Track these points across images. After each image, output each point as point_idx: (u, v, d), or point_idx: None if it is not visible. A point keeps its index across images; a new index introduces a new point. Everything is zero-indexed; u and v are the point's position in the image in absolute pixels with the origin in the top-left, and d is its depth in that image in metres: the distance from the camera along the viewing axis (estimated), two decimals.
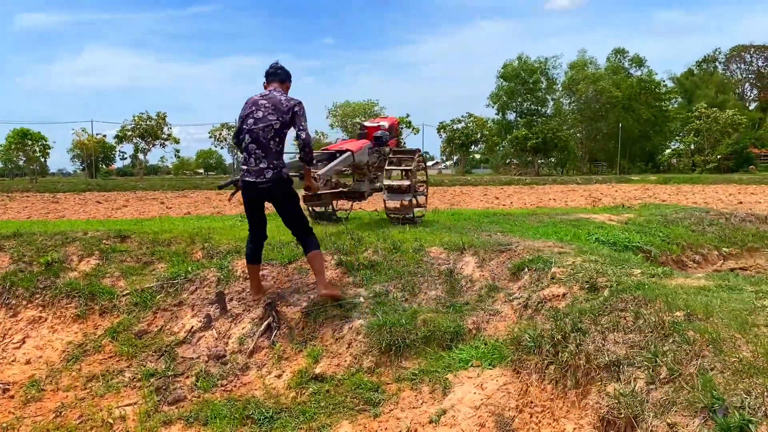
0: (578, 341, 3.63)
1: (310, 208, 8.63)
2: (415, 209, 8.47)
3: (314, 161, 5.60)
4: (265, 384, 5.12)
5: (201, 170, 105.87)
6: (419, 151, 8.36)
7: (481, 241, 6.44)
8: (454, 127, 63.76)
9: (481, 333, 5.14)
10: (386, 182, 7.80)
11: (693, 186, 39.92)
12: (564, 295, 4.88)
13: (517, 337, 4.22)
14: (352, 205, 9.41)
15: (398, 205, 7.86)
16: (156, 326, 6.13)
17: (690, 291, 3.89)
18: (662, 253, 8.60)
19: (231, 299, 6.19)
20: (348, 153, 7.47)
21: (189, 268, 6.71)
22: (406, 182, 7.72)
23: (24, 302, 6.47)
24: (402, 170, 7.94)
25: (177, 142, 56.15)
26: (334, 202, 8.87)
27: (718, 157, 56.67)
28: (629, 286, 4.16)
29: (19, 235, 7.56)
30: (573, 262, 5.36)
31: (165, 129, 54.77)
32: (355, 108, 69.84)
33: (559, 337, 3.77)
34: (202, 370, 5.41)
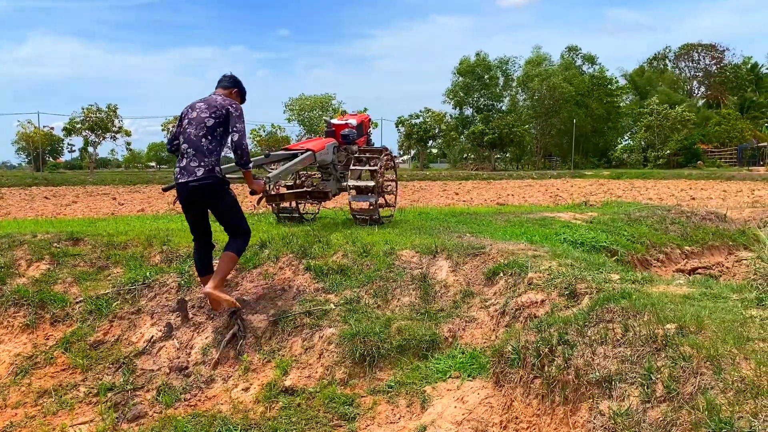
0: (566, 355, 3.50)
1: (274, 209, 8.38)
2: (384, 209, 8.26)
3: (250, 164, 5.29)
4: (232, 398, 4.86)
5: (153, 164, 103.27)
6: (387, 149, 8.13)
7: (453, 243, 6.28)
8: (413, 122, 63.83)
9: (457, 341, 4.98)
10: (352, 182, 7.55)
11: (645, 181, 40.82)
12: (542, 302, 4.76)
13: (499, 349, 4.07)
14: (320, 206, 9.13)
15: (365, 206, 7.64)
16: (113, 336, 5.79)
17: (676, 300, 3.80)
18: (628, 252, 8.62)
19: (193, 306, 5.89)
20: (308, 153, 7.21)
21: (147, 273, 6.37)
22: (372, 183, 7.48)
23: None
24: (368, 170, 7.71)
25: (128, 134, 54.65)
26: (303, 203, 8.60)
27: (668, 152, 58.19)
28: (613, 295, 4.05)
29: None
30: (549, 266, 5.24)
31: (116, 121, 53.21)
32: (313, 102, 69.16)
33: (546, 350, 3.62)
34: (163, 383, 5.11)
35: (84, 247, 7.10)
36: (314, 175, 8.46)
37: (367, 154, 7.79)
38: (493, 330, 4.95)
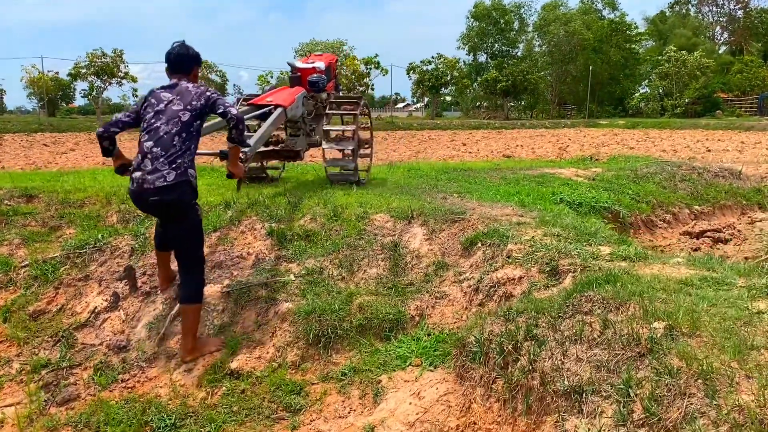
0: (533, 354, 2.93)
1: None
2: (361, 170, 7.58)
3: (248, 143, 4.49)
4: (173, 380, 4.37)
5: None
6: (363, 98, 7.34)
7: (432, 207, 5.68)
8: (424, 69, 62.11)
9: (425, 321, 4.44)
10: (326, 127, 6.75)
11: (661, 131, 39.59)
12: (520, 278, 4.18)
13: (461, 339, 3.51)
14: (285, 163, 8.25)
15: (339, 156, 6.94)
16: (56, 305, 5.30)
17: (670, 287, 3.20)
18: (631, 213, 7.99)
19: (144, 273, 5.37)
20: (280, 110, 6.25)
21: (100, 235, 5.85)
22: (351, 127, 6.76)
23: None
24: (346, 114, 6.98)
25: (135, 80, 53.54)
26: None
27: (686, 101, 56.40)
28: (596, 278, 3.46)
29: None
30: (532, 236, 4.64)
31: (122, 66, 52.12)
32: (324, 47, 67.43)
33: (510, 346, 3.06)
34: (102, 362, 4.63)
35: (38, 204, 6.58)
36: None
37: (342, 101, 7.01)
38: (466, 308, 4.39)
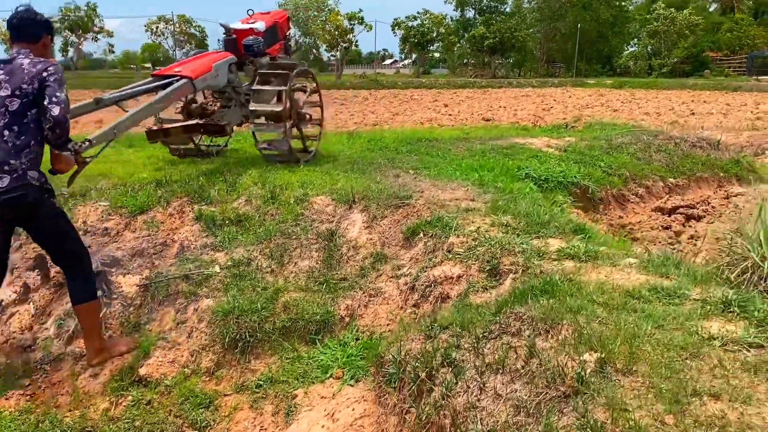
0: (447, 385, 2.52)
1: (169, 146, 6.71)
2: (312, 141, 6.98)
3: (69, 146, 3.60)
4: (77, 386, 3.95)
5: (149, 65, 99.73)
6: (302, 66, 6.60)
7: (378, 189, 5.21)
8: (410, 25, 60.75)
9: (355, 322, 4.02)
10: (253, 106, 5.99)
11: (647, 92, 39.02)
12: (459, 277, 3.76)
13: (380, 354, 3.10)
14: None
15: (272, 137, 6.26)
16: None
17: (613, 301, 2.79)
18: (601, 188, 7.56)
19: (52, 264, 4.88)
20: (181, 83, 5.38)
21: None
22: (278, 108, 5.95)
23: None
24: (275, 91, 6.07)
25: (110, 35, 52.10)
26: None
27: (674, 60, 55.66)
28: (534, 286, 3.04)
29: None
30: (478, 227, 4.20)
31: (96, 21, 50.57)
32: (308, 2, 65.52)
33: (425, 373, 2.64)
34: (3, 363, 4.20)
35: None
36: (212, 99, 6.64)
37: (274, 71, 6.17)
38: (401, 308, 3.97)
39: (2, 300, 4.66)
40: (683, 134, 9.88)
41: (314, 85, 6.95)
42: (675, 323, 2.56)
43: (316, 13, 65.54)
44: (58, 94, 3.43)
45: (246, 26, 6.42)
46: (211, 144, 7.25)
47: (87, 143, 4.02)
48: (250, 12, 6.70)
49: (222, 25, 6.51)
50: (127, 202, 5.41)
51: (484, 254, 3.77)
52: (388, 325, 3.91)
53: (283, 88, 5.96)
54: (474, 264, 3.76)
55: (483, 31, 60.62)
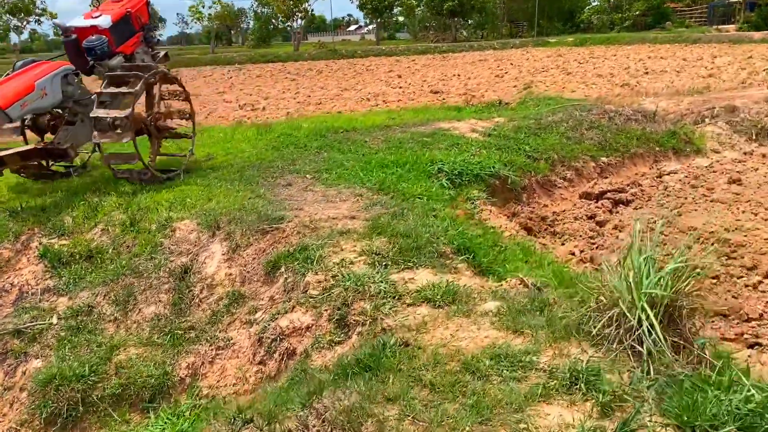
0: None
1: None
2: (190, 156, 6.07)
3: None
4: None
5: None
6: (160, 68, 5.67)
7: (252, 207, 4.65)
8: None
9: (197, 383, 3.50)
10: (94, 112, 5.05)
11: (607, 48, 38.57)
12: (308, 329, 3.25)
13: None
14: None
15: (116, 154, 5.38)
16: None
17: (443, 382, 2.30)
18: (524, 175, 7.07)
19: None
20: None
21: None
22: (122, 113, 5.00)
23: None
24: (123, 94, 5.10)
25: (54, 17, 49.88)
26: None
27: (636, 13, 55.20)
28: (358, 360, 2.54)
29: None
30: (344, 258, 3.67)
31: (38, 3, 48.46)
32: None
33: None
34: None
35: None
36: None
37: (125, 75, 5.26)
38: (250, 362, 3.46)
39: None
40: (618, 108, 9.39)
41: (180, 89, 5.96)
42: (505, 414, 2.08)
43: None
44: None
45: (88, 23, 5.43)
46: (69, 164, 6.14)
47: None
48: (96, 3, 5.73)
49: (58, 25, 5.53)
50: None
51: (337, 298, 3.26)
52: (234, 384, 3.40)
53: (130, 90, 5.07)
54: (326, 311, 3.25)
55: None
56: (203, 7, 55.36)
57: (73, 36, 5.34)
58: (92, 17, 5.45)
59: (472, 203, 5.99)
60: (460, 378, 2.32)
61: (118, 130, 5.00)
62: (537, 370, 2.36)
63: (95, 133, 5.09)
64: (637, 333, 2.48)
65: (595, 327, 2.58)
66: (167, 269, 4.13)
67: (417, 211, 4.68)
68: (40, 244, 4.55)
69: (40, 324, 3.92)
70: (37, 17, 48.55)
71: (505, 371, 2.36)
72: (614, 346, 2.51)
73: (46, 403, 3.37)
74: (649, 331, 2.46)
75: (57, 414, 3.35)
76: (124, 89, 5.10)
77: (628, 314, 2.54)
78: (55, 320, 3.95)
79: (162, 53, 6.13)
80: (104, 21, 5.40)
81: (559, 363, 2.37)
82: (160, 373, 3.48)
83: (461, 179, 6.34)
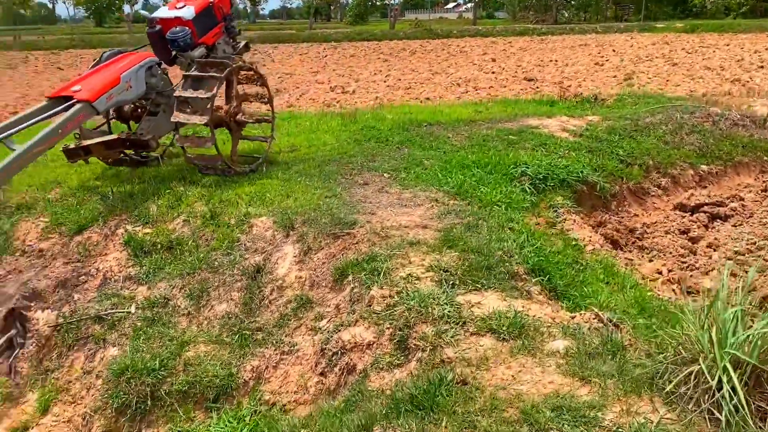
0: None
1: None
2: (267, 144, 6.09)
3: None
4: None
5: None
6: (236, 61, 5.57)
7: (328, 207, 4.65)
8: None
9: (260, 387, 3.55)
10: (175, 117, 5.08)
11: (720, 36, 36.16)
12: (369, 346, 3.21)
13: None
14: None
15: (188, 129, 5.42)
16: None
17: (498, 430, 2.19)
18: (615, 182, 6.72)
19: None
20: (78, 107, 4.63)
21: None
22: (203, 119, 5.01)
23: None
24: (202, 99, 5.02)
25: None
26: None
27: None
28: (413, 396, 2.46)
29: None
30: (411, 273, 3.60)
31: None
32: None
33: None
34: None
35: None
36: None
37: (205, 71, 5.21)
38: (312, 371, 3.47)
39: None
40: (725, 109, 8.74)
41: (262, 81, 5.91)
42: None
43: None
44: None
45: (172, 14, 5.42)
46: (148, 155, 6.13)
47: None
48: None
49: (143, 14, 5.58)
50: (69, 219, 5.07)
51: (399, 318, 3.20)
52: (295, 392, 3.42)
53: (209, 95, 5.03)
54: (388, 329, 3.19)
55: None
56: None
57: (158, 27, 5.40)
58: (176, 8, 5.49)
59: (555, 211, 5.75)
60: (517, 429, 2.21)
61: (199, 112, 5.03)
62: (601, 428, 2.21)
63: (178, 134, 5.20)
64: (716, 396, 2.28)
65: (670, 382, 2.39)
66: (241, 267, 4.21)
67: (493, 221, 4.53)
68: (125, 231, 4.74)
69: (119, 312, 4.09)
70: None
71: (566, 426, 2.22)
72: (690, 407, 2.32)
73: (118, 394, 3.52)
74: (730, 395, 2.25)
75: (127, 405, 3.49)
76: (210, 72, 5.14)
77: (707, 374, 2.33)
78: (133, 309, 4.11)
79: (242, 43, 6.15)
80: (187, 12, 5.41)
81: (626, 422, 2.21)
82: (226, 374, 3.56)
83: (545, 184, 6.09)
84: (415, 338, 3.02)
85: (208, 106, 5.03)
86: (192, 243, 4.56)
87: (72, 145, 5.29)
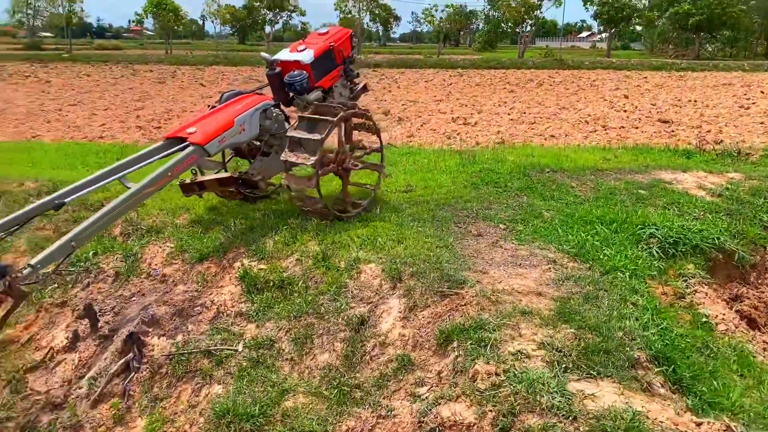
0: None
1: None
2: (359, 198, 5.93)
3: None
4: None
5: None
6: (351, 107, 5.48)
7: (437, 259, 4.53)
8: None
9: None
10: (284, 156, 5.12)
11: None
12: (469, 428, 3.04)
13: None
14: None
15: (296, 170, 5.32)
16: (29, 333, 5.02)
17: None
18: (756, 250, 6.12)
19: (112, 309, 4.90)
20: (189, 150, 4.76)
21: (91, 253, 5.45)
22: (317, 137, 4.97)
23: None
24: (312, 140, 5.03)
25: (303, 14, 54.95)
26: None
27: None
28: None
29: None
30: (521, 349, 3.40)
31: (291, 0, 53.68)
32: None
33: None
34: (30, 421, 4.26)
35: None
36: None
37: (317, 116, 5.20)
38: None
39: (54, 346, 4.77)
40: None
41: (371, 124, 5.83)
42: None
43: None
44: None
45: (292, 57, 5.48)
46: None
47: (29, 269, 3.59)
48: (325, 25, 5.69)
49: (263, 57, 5.65)
50: (193, 246, 5.30)
51: (504, 401, 3.02)
52: None
53: (319, 137, 5.03)
54: (490, 412, 3.02)
55: (688, 7, 54.57)
56: (436, 10, 57.04)
57: (277, 69, 5.49)
58: (297, 50, 5.57)
59: (685, 281, 5.30)
60: None
61: (308, 153, 5.04)
62: None
63: (286, 150, 5.17)
64: None
65: None
66: (346, 316, 4.18)
67: (615, 293, 4.22)
68: (241, 264, 4.87)
69: (228, 349, 4.19)
70: (289, 12, 53.77)
71: None
72: None
73: None
74: None
75: None
76: (325, 116, 5.18)
77: None
78: (240, 348, 4.19)
79: (360, 86, 6.18)
80: (307, 56, 5.46)
81: None
82: (322, 431, 3.51)
83: (676, 249, 5.64)
84: (519, 429, 2.82)
85: (318, 148, 5.04)
86: (302, 284, 4.60)
87: (188, 180, 5.51)
